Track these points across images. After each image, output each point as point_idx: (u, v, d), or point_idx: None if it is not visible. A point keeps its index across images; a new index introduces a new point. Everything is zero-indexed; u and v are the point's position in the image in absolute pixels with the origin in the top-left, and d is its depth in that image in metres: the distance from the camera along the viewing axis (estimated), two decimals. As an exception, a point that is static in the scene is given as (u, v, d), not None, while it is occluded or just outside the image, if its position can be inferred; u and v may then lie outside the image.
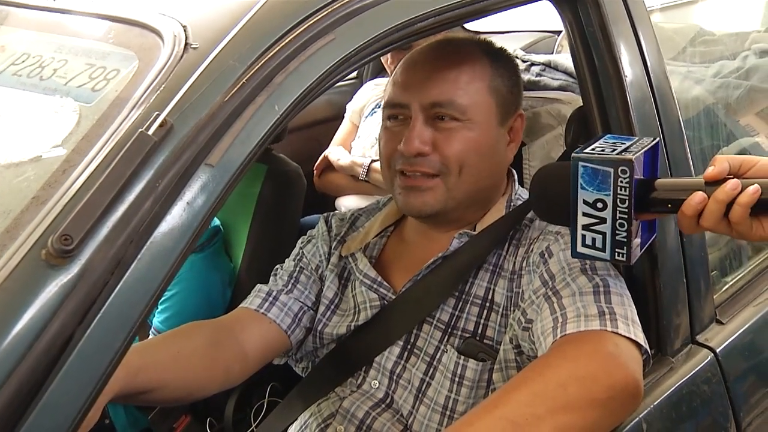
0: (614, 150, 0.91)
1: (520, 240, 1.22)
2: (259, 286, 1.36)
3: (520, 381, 0.89)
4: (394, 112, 1.23)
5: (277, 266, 1.42)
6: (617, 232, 0.92)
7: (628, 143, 0.94)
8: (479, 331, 1.18)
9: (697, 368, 1.18)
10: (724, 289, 1.36)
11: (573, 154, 0.92)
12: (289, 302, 1.33)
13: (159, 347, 1.17)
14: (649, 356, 0.99)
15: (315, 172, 2.38)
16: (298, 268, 1.38)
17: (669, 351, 1.19)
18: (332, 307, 1.35)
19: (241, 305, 1.34)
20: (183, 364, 1.14)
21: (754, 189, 0.84)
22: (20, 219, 0.72)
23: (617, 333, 0.94)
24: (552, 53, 2.49)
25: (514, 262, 1.20)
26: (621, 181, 0.89)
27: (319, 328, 1.32)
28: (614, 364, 0.90)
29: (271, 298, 1.32)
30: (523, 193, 1.31)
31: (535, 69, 2.12)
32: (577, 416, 0.85)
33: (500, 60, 1.26)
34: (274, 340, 1.30)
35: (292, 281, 1.36)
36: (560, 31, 2.69)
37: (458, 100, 1.19)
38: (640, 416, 1.07)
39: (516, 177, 1.33)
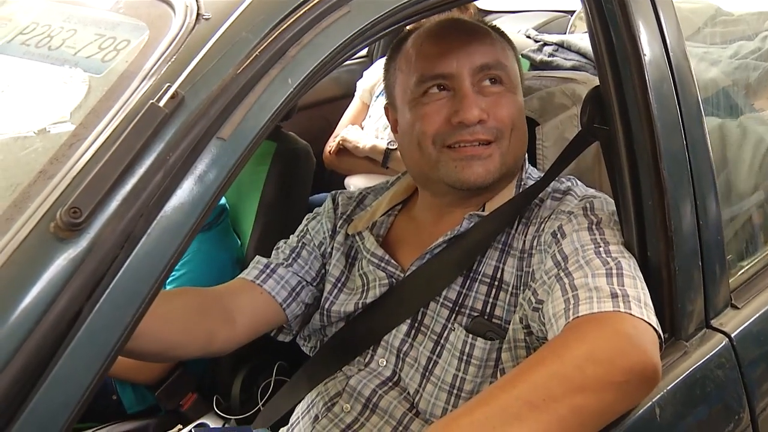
0: None
1: (530, 219, 1.20)
2: (257, 257, 1.36)
3: (537, 361, 0.88)
4: (435, 83, 1.19)
5: (280, 241, 1.41)
6: None
7: None
8: (487, 310, 1.17)
9: (711, 353, 1.17)
10: (739, 273, 1.33)
11: None
12: (287, 276, 1.32)
13: None
14: (662, 340, 0.97)
15: (327, 149, 2.36)
16: (300, 244, 1.38)
17: (683, 335, 1.17)
18: (339, 285, 1.34)
19: (238, 276, 1.34)
20: (159, 322, 1.12)
21: None
22: (28, 192, 0.71)
23: (631, 314, 0.93)
24: (565, 33, 2.46)
25: (524, 241, 1.18)
26: None
27: (326, 306, 1.31)
28: (632, 347, 0.89)
29: (268, 270, 1.32)
30: (533, 173, 1.29)
31: (548, 49, 2.09)
32: (593, 398, 0.84)
33: (506, 38, 1.27)
34: (266, 312, 1.30)
35: (293, 256, 1.36)
36: (573, 11, 2.66)
37: (503, 61, 1.20)
38: (653, 400, 1.05)
39: (526, 157, 1.31)
